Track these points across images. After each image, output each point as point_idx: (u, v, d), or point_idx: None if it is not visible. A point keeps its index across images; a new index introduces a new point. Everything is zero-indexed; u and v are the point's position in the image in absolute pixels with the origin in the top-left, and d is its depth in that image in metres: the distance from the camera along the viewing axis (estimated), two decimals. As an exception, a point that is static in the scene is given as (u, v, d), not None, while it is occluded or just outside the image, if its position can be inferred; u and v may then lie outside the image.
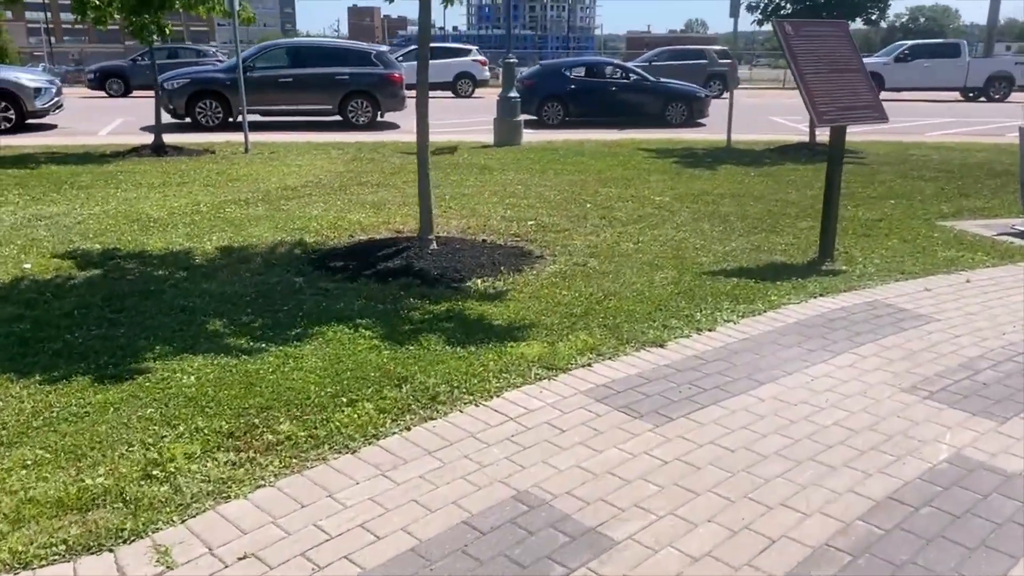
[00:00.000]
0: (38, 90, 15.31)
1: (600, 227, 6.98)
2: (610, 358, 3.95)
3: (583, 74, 18.39)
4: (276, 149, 12.64)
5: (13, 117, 15.03)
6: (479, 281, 5.17)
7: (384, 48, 17.95)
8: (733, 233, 6.77)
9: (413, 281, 5.10)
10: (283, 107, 16.88)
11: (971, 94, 25.82)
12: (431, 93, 24.78)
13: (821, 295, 5.04)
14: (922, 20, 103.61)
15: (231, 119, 16.35)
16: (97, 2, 10.87)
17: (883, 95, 26.01)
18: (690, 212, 7.69)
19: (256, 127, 16.31)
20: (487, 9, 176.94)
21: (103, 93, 25.13)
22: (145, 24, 10.83)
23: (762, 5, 12.68)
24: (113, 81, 25.12)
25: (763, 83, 39.71)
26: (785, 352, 4.10)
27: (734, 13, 12.59)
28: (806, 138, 12.94)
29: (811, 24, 5.76)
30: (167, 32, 11.25)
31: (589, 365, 3.85)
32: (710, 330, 4.40)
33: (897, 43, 28.50)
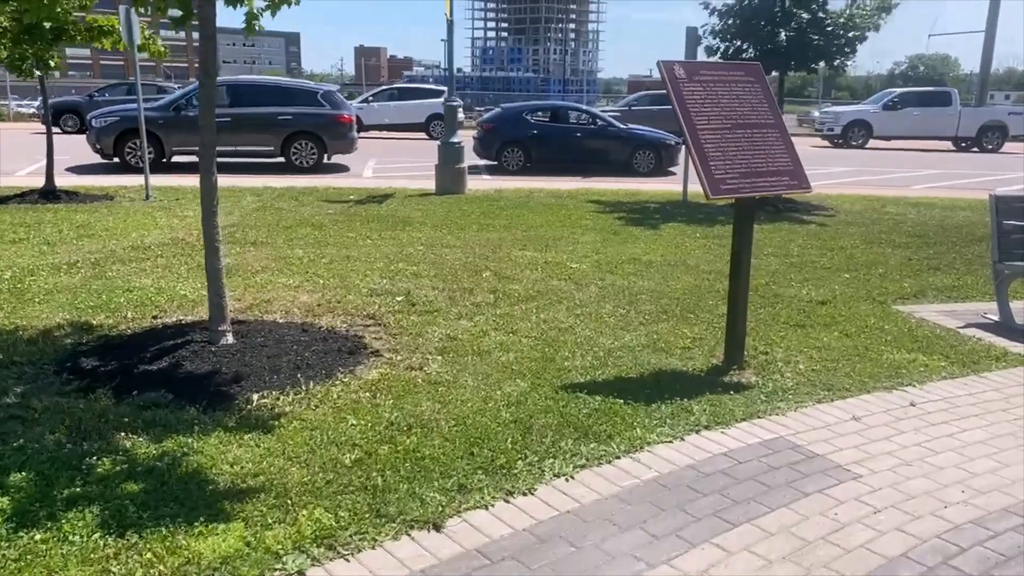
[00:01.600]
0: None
1: (481, 307, 5.70)
2: (344, 556, 2.62)
3: (546, 119, 17.31)
4: (184, 195, 11.47)
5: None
6: (257, 396, 3.87)
7: (333, 87, 16.90)
8: (636, 319, 5.48)
9: (163, 397, 3.80)
10: (220, 148, 15.73)
11: (963, 144, 24.73)
12: (404, 135, 23.85)
13: (707, 427, 3.73)
14: (922, 69, 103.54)
15: (164, 159, 15.30)
16: (-24, 34, 9.80)
17: (872, 143, 25.02)
18: (600, 287, 6.41)
19: (188, 169, 15.23)
20: (491, 52, 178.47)
21: (58, 130, 24.15)
22: (24, 55, 9.70)
23: (721, 48, 11.56)
24: (68, 117, 24.20)
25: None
26: (616, 541, 2.78)
27: (690, 56, 11.45)
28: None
29: (712, 67, 4.53)
30: (52, 65, 10.11)
31: (300, 574, 2.53)
32: (527, 492, 3.08)
33: (885, 91, 27.58)
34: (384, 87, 31.81)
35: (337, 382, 4.11)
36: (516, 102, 22.59)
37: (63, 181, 12.72)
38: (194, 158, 15.85)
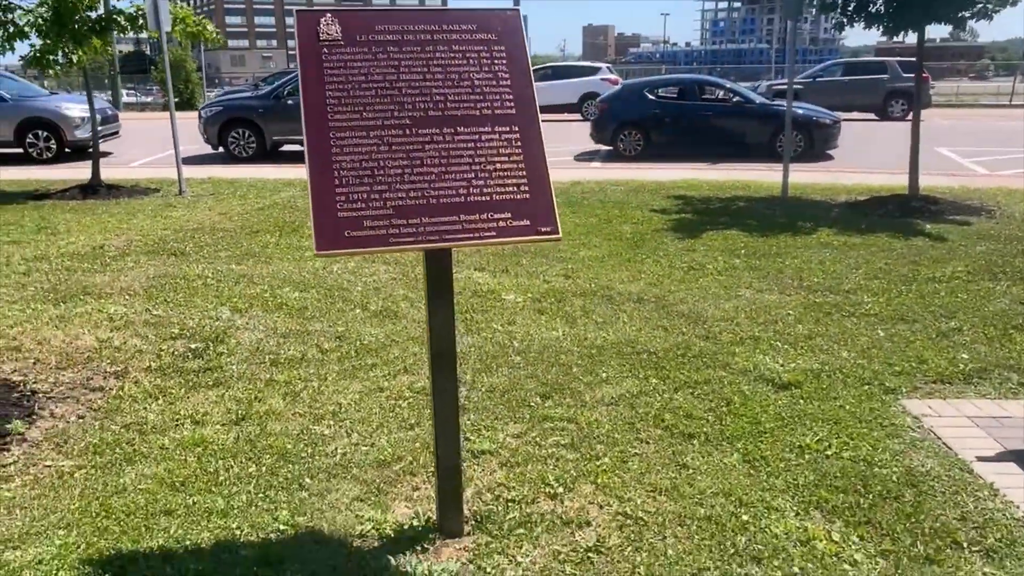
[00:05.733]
0: (80, 120, 14.87)
1: (268, 367, 4.24)
2: None
3: (673, 95, 14.97)
4: (232, 188, 10.92)
5: (54, 147, 14.80)
6: None
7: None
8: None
9: None
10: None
11: None
12: (557, 116, 22.73)
13: None
14: None
15: (268, 149, 15.07)
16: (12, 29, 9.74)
17: None
18: (484, 338, 4.65)
19: (294, 159, 14.78)
20: (721, 24, 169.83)
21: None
22: (50, 49, 9.50)
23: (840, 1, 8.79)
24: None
25: (993, 98, 32.31)
26: None
27: (792, 14, 8.88)
28: (960, 180, 8.86)
29: (409, 18, 2.62)
30: (77, 62, 9.80)
31: None
32: None
33: None
34: (537, 67, 30.31)
35: None
36: (649, 76, 20.04)
37: (158, 172, 12.80)
38: (298, 147, 15.53)
